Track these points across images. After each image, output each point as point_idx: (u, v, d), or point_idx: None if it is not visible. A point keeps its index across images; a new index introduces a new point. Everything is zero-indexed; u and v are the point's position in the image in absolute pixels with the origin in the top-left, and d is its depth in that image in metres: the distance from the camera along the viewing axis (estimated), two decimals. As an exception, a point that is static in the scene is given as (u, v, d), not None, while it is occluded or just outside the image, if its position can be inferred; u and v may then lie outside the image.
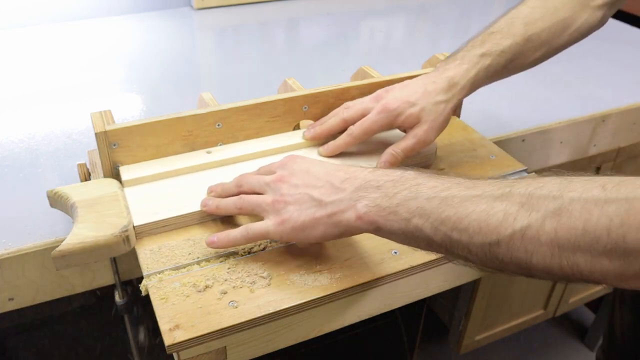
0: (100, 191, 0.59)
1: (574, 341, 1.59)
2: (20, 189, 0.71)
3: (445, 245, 0.43)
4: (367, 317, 0.59)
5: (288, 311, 0.51)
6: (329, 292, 0.52)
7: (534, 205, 0.38)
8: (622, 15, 1.41)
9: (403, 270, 0.55)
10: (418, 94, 0.63)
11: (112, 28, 1.22)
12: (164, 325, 0.48)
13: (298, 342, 0.56)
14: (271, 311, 0.50)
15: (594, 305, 1.54)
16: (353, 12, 1.38)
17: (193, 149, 0.67)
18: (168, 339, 0.47)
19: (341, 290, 0.53)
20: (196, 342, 0.48)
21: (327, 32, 1.27)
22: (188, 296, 0.51)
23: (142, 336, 0.76)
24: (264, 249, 0.56)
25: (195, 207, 0.58)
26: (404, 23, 1.35)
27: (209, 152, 0.66)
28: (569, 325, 1.62)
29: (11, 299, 0.63)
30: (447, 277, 0.61)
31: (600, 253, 0.35)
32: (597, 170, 1.09)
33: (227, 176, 0.61)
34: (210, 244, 0.54)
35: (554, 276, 0.38)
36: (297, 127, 0.75)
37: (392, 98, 0.63)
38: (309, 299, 0.51)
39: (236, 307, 0.50)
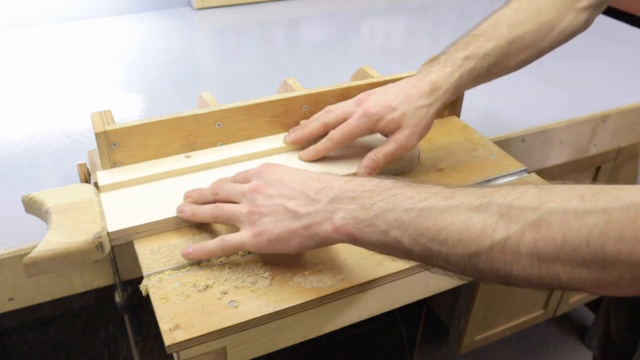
0: (75, 197, 0.58)
1: (574, 341, 1.59)
2: (20, 189, 0.71)
3: (425, 256, 0.42)
4: (367, 317, 0.59)
5: (288, 311, 0.51)
6: (329, 292, 0.52)
7: (513, 216, 0.38)
8: (622, 15, 1.41)
9: (403, 270, 0.55)
10: (400, 98, 0.62)
11: (112, 28, 1.22)
12: (164, 325, 0.48)
13: (298, 342, 0.56)
14: (271, 311, 0.50)
15: (594, 305, 1.54)
16: (353, 12, 1.38)
17: (193, 149, 0.67)
18: (168, 339, 0.47)
19: (341, 290, 0.53)
20: (196, 342, 0.48)
21: (327, 32, 1.27)
22: (188, 296, 0.51)
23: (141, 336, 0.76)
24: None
25: (172, 213, 0.57)
26: (404, 23, 1.35)
27: (187, 157, 0.65)
28: (569, 325, 1.62)
29: (11, 299, 0.63)
30: (447, 277, 0.61)
31: (580, 263, 0.35)
32: (597, 171, 1.09)
33: (205, 181, 0.60)
34: (185, 256, 0.53)
35: (533, 285, 0.38)
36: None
37: (373, 102, 0.62)
38: (309, 299, 0.51)
39: (236, 307, 0.50)
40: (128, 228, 0.56)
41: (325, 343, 0.88)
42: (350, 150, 0.68)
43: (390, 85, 0.65)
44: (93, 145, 0.63)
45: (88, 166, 0.67)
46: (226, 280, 0.53)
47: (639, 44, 1.27)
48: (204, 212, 0.55)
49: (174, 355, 0.49)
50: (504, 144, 0.87)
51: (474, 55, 0.64)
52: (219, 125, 0.66)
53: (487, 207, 0.39)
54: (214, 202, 0.55)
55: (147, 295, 0.52)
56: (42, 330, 0.76)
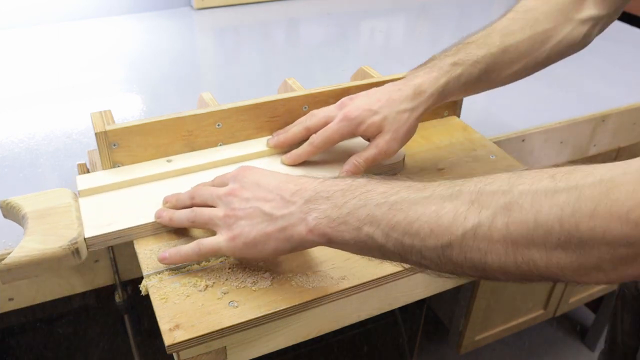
0: (52, 202, 0.57)
1: (574, 341, 1.59)
2: (20, 189, 0.71)
3: (399, 252, 0.42)
4: (367, 317, 0.59)
5: (288, 311, 0.51)
6: (329, 292, 0.52)
7: (484, 202, 0.37)
8: (622, 15, 1.41)
9: (403, 270, 0.55)
10: (381, 102, 0.61)
11: (112, 28, 1.22)
12: (164, 325, 0.48)
13: (298, 342, 0.56)
14: (271, 311, 0.50)
15: (594, 305, 1.54)
16: (353, 12, 1.38)
17: (193, 149, 0.67)
18: (168, 339, 0.47)
19: (341, 291, 0.53)
20: (196, 342, 0.48)
21: (327, 32, 1.27)
22: (188, 296, 0.51)
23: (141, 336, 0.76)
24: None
25: (150, 218, 0.57)
26: (404, 23, 1.35)
27: (169, 161, 0.65)
28: (569, 325, 1.62)
29: (11, 299, 0.63)
30: (447, 277, 0.61)
31: (555, 246, 0.34)
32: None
33: (186, 186, 0.60)
34: (161, 260, 0.53)
35: (510, 275, 0.37)
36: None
37: (354, 106, 0.62)
38: (309, 299, 0.51)
39: (236, 307, 0.50)
40: (106, 234, 0.55)
41: (325, 343, 0.88)
42: (332, 155, 0.68)
43: (374, 89, 0.64)
44: (93, 145, 0.63)
45: (88, 166, 0.67)
46: (226, 280, 0.53)
47: (639, 44, 1.27)
48: (181, 217, 0.55)
49: (174, 355, 0.49)
50: (504, 144, 0.87)
51: (463, 62, 0.63)
52: (219, 125, 0.66)
53: (458, 195, 0.39)
54: (192, 206, 0.55)
55: (147, 295, 0.52)
56: (42, 330, 0.76)
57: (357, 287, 0.54)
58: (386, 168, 0.67)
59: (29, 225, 0.54)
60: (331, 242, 0.45)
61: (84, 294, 0.67)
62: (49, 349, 0.79)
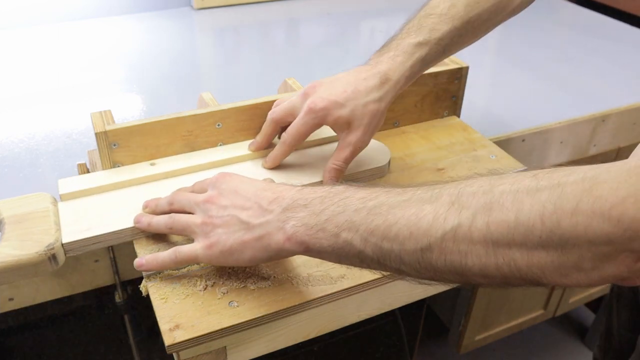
0: (31, 206, 0.56)
1: (574, 341, 1.59)
2: (20, 189, 0.71)
3: (378, 258, 0.41)
4: (367, 317, 0.59)
5: (288, 311, 0.51)
6: (329, 292, 0.52)
7: (464, 202, 0.36)
8: (622, 15, 1.41)
9: (403, 270, 0.55)
10: (347, 93, 0.59)
11: (112, 28, 1.22)
12: (164, 325, 0.48)
13: (298, 342, 0.56)
14: (271, 311, 0.50)
15: (594, 305, 1.54)
16: (353, 12, 1.38)
17: (193, 149, 0.67)
18: (168, 339, 0.47)
19: (341, 290, 0.53)
20: (196, 342, 0.48)
21: (327, 32, 1.27)
22: (188, 296, 0.51)
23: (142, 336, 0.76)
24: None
25: (130, 223, 0.56)
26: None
27: (152, 164, 0.64)
28: (569, 325, 1.62)
29: (11, 299, 0.63)
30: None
31: (536, 245, 0.34)
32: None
33: (169, 190, 0.59)
34: (138, 267, 0.52)
35: (491, 279, 0.37)
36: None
37: (319, 97, 0.59)
38: (309, 299, 0.51)
39: (236, 307, 0.50)
40: (84, 239, 0.54)
41: (325, 343, 0.88)
42: (315, 157, 0.67)
43: (339, 75, 0.61)
44: (93, 145, 0.63)
45: (88, 166, 0.67)
46: (226, 280, 0.53)
47: (639, 44, 1.27)
48: (159, 222, 0.54)
49: (174, 355, 0.49)
50: (504, 144, 0.87)
51: (428, 41, 0.60)
52: (219, 125, 0.66)
53: (438, 197, 0.38)
54: (171, 212, 0.54)
55: (147, 295, 0.52)
56: (42, 330, 0.76)
57: (357, 287, 0.53)
58: (373, 171, 0.67)
59: (6, 230, 0.53)
60: (309, 250, 0.44)
61: (84, 294, 0.67)
62: (49, 349, 0.79)
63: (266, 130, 0.65)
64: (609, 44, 1.25)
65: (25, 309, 0.65)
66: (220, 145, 0.68)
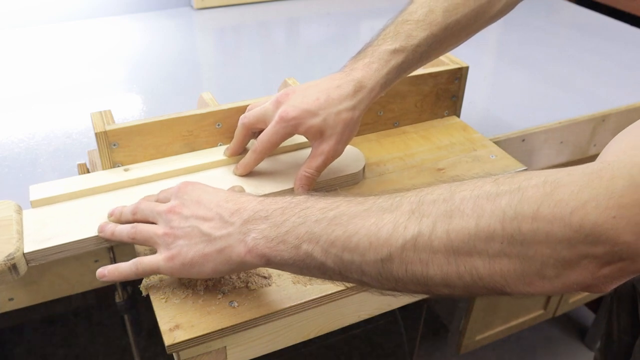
0: None
1: (574, 341, 1.59)
2: (20, 189, 0.71)
3: (339, 270, 0.40)
4: (367, 317, 0.59)
5: (288, 311, 0.51)
6: (329, 292, 0.52)
7: (425, 210, 0.36)
8: (622, 15, 1.41)
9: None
10: (320, 101, 0.57)
11: (112, 28, 1.22)
12: (164, 325, 0.48)
13: (298, 342, 0.56)
14: (271, 311, 0.50)
15: (594, 305, 1.54)
16: (353, 12, 1.38)
17: (193, 149, 0.67)
18: (168, 339, 0.47)
19: (341, 290, 0.53)
20: (196, 342, 0.48)
21: (327, 32, 1.27)
22: (188, 296, 0.51)
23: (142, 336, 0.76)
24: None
25: (94, 232, 0.55)
26: (404, 23, 1.35)
27: (126, 170, 0.63)
28: (569, 325, 1.62)
29: (11, 299, 0.63)
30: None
31: (498, 252, 0.33)
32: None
33: (141, 196, 0.57)
34: (100, 277, 0.51)
35: (454, 288, 0.36)
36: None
37: (291, 106, 0.57)
38: (309, 299, 0.51)
39: (236, 307, 0.50)
40: (46, 249, 0.53)
41: (325, 343, 0.88)
42: (288, 164, 0.66)
43: (312, 82, 0.60)
44: (93, 145, 0.63)
45: (88, 166, 0.67)
46: (226, 280, 0.53)
47: (639, 44, 1.27)
48: (122, 232, 0.52)
49: (174, 355, 0.49)
50: (504, 144, 0.87)
51: (405, 48, 0.59)
52: (219, 125, 0.66)
53: (399, 206, 0.37)
54: (134, 221, 0.53)
55: (147, 295, 0.52)
56: (42, 330, 0.76)
57: (357, 287, 0.53)
58: (347, 178, 0.66)
59: None
60: (270, 262, 0.43)
61: (84, 294, 0.67)
62: (49, 349, 0.79)
63: (238, 136, 0.64)
64: (609, 44, 1.25)
65: (25, 309, 0.65)
66: (220, 145, 0.68)
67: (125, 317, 0.75)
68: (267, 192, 0.61)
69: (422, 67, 0.80)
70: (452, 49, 0.66)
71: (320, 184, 0.64)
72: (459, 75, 0.78)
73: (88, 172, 0.65)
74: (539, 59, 1.16)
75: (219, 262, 0.46)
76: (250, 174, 0.64)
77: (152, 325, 0.51)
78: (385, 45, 0.59)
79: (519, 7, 0.69)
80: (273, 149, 0.60)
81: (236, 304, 0.50)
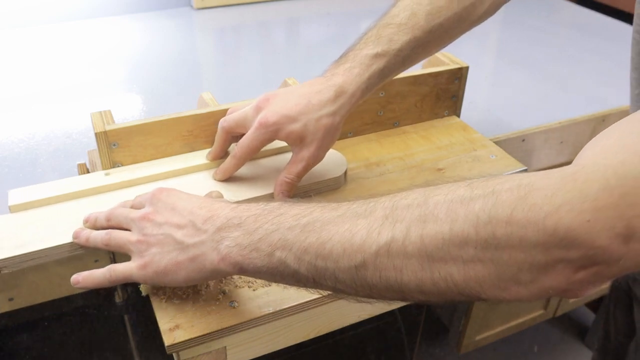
0: None
1: (574, 341, 1.59)
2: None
3: (313, 277, 0.39)
4: (367, 317, 0.59)
5: (288, 311, 0.51)
6: (329, 292, 0.52)
7: (398, 215, 0.35)
8: (623, 15, 1.41)
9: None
10: (300, 106, 0.56)
11: (112, 28, 1.22)
12: (164, 325, 0.48)
13: (298, 342, 0.56)
14: (271, 311, 0.50)
15: (594, 305, 1.54)
16: (353, 12, 1.38)
17: (193, 149, 0.67)
18: (168, 339, 0.47)
19: (341, 290, 0.53)
20: (196, 342, 0.48)
21: (327, 32, 1.26)
22: (188, 296, 0.51)
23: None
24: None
25: (69, 238, 0.54)
26: (404, 23, 1.35)
27: (107, 175, 0.62)
28: (569, 325, 1.62)
29: (11, 299, 0.63)
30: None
31: (472, 257, 0.33)
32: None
33: (120, 201, 0.56)
34: (74, 284, 0.50)
35: (429, 294, 0.35)
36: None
37: (271, 112, 0.56)
38: (309, 299, 0.51)
39: (236, 307, 0.50)
40: (18, 255, 0.52)
41: (325, 343, 0.88)
42: (269, 168, 0.65)
43: (293, 88, 0.60)
44: (93, 145, 0.63)
45: (88, 166, 0.67)
46: (226, 280, 0.53)
47: (639, 44, 1.27)
48: (96, 238, 0.52)
49: (174, 355, 0.49)
50: (504, 144, 0.87)
51: (387, 52, 0.58)
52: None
53: (372, 211, 0.37)
54: (109, 227, 0.52)
55: (147, 295, 0.52)
56: (42, 330, 0.76)
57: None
58: (329, 182, 0.65)
59: None
60: (243, 270, 0.43)
61: (84, 294, 0.67)
62: (49, 349, 0.79)
63: (218, 140, 0.63)
64: (609, 44, 1.25)
65: (25, 309, 0.64)
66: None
67: (125, 317, 0.75)
68: (247, 197, 0.60)
69: (421, 67, 0.81)
70: (436, 52, 0.65)
71: (301, 188, 0.63)
72: (459, 75, 0.78)
73: (88, 172, 0.65)
74: (539, 59, 1.16)
75: (192, 270, 0.45)
76: (230, 178, 0.63)
77: (152, 325, 0.51)
78: (367, 50, 0.59)
79: (519, 7, 0.69)
80: (253, 155, 0.60)
81: (236, 304, 0.50)
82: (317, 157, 0.59)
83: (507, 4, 0.68)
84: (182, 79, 1.02)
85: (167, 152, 0.65)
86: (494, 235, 0.32)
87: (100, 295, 0.73)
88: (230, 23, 1.29)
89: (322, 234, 0.38)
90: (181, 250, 0.45)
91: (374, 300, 0.39)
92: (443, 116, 0.81)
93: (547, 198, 0.31)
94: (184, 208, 0.47)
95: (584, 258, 0.31)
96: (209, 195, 0.55)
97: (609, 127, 0.36)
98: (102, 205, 0.57)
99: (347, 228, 0.37)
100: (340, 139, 0.75)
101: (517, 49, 1.22)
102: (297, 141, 0.58)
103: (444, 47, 0.65)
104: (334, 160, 0.67)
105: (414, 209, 0.35)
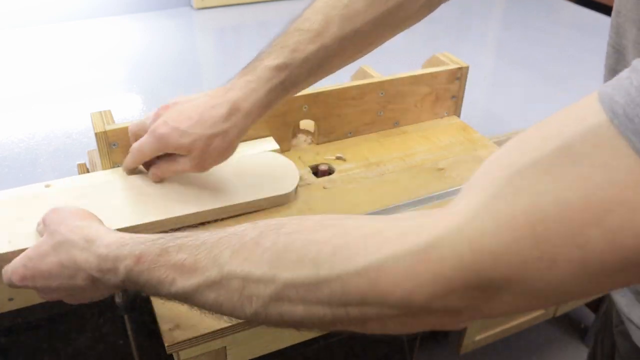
0: None
1: (574, 341, 1.59)
2: (20, 189, 0.71)
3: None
4: (367, 317, 0.58)
5: (288, 311, 0.51)
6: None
7: (253, 292, 0.35)
8: (622, 15, 1.41)
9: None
10: (192, 120, 0.54)
11: (112, 28, 1.22)
12: (164, 325, 0.48)
13: (298, 342, 0.56)
14: (271, 311, 0.50)
15: (594, 305, 1.54)
16: (353, 12, 1.38)
17: (193, 149, 0.66)
18: (168, 339, 0.47)
19: (341, 290, 0.53)
20: (196, 342, 0.48)
21: (327, 32, 1.26)
22: (188, 296, 0.51)
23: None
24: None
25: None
26: (404, 23, 1.35)
27: (47, 186, 0.60)
28: (569, 325, 1.62)
29: (11, 299, 0.63)
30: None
31: (330, 324, 0.34)
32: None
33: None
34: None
35: (321, 327, 0.36)
36: (297, 127, 0.75)
37: (163, 122, 0.55)
38: (309, 299, 0.51)
39: (236, 307, 0.50)
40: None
41: (325, 343, 0.88)
42: (196, 187, 0.62)
43: (193, 96, 0.57)
44: (93, 145, 0.63)
45: (88, 166, 0.67)
46: (226, 280, 0.52)
47: (639, 44, 1.27)
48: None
49: (174, 355, 0.49)
50: (504, 144, 0.87)
51: (289, 63, 0.54)
52: (219, 125, 0.66)
53: (228, 281, 0.36)
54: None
55: (148, 296, 0.52)
56: (42, 330, 0.76)
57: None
58: (279, 199, 0.62)
59: None
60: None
61: (84, 294, 0.67)
62: (48, 349, 0.79)
63: (131, 143, 0.60)
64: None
65: (25, 309, 0.65)
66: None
67: (125, 317, 0.75)
68: (171, 215, 0.58)
69: (421, 68, 0.81)
70: (357, 59, 0.60)
71: (246, 206, 0.61)
72: (459, 75, 0.78)
73: (88, 172, 0.65)
74: (539, 59, 1.16)
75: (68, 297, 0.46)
76: (168, 190, 0.60)
77: (152, 325, 0.51)
78: (269, 60, 0.56)
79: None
80: (145, 159, 0.59)
81: (236, 304, 0.50)
82: (202, 169, 0.57)
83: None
84: (182, 79, 1.02)
85: (167, 152, 0.65)
86: (349, 315, 0.32)
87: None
88: (230, 23, 1.29)
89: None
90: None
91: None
92: (443, 116, 0.81)
93: (397, 283, 0.30)
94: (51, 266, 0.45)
95: (447, 315, 0.31)
96: (82, 217, 0.49)
97: (509, 141, 0.33)
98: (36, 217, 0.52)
99: (214, 298, 0.38)
100: (340, 139, 0.75)
101: (517, 49, 1.22)
102: (184, 152, 0.56)
103: (365, 54, 0.60)
104: (284, 172, 0.64)
105: (264, 287, 0.34)
